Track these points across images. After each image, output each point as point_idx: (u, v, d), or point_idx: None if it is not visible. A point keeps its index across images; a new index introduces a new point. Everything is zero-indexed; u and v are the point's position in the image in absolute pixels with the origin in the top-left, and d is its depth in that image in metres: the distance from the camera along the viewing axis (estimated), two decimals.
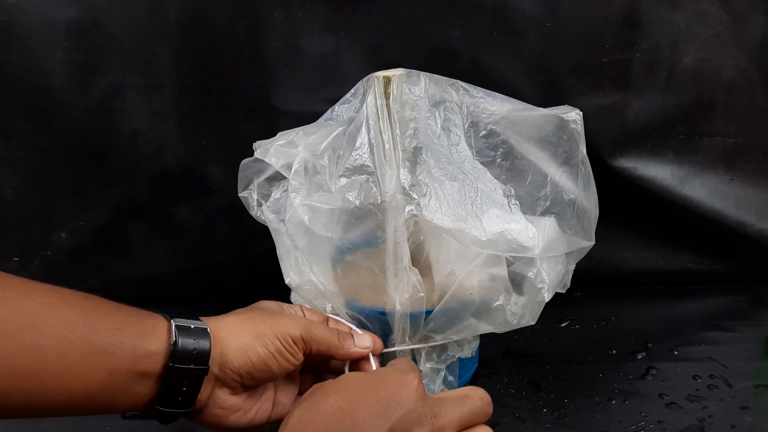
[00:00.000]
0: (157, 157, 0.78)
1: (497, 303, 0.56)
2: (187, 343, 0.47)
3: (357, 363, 0.56)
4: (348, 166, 0.57)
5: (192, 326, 0.48)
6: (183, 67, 0.76)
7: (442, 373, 0.60)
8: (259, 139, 0.64)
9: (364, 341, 0.55)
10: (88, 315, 0.45)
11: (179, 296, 0.84)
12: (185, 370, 0.47)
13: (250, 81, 0.77)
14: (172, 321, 0.48)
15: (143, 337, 0.46)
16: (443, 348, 0.60)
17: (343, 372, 0.55)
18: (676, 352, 0.75)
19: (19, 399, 0.42)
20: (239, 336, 0.50)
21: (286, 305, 0.57)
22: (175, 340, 0.47)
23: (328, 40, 0.76)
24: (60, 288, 0.46)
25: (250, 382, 0.51)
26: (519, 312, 0.56)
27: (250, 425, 0.52)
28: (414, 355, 0.59)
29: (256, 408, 0.53)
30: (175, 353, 0.47)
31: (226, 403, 0.50)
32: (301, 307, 0.57)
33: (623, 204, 0.81)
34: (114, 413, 0.47)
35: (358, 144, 0.57)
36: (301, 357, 0.52)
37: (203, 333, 0.49)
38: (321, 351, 0.53)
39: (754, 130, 0.82)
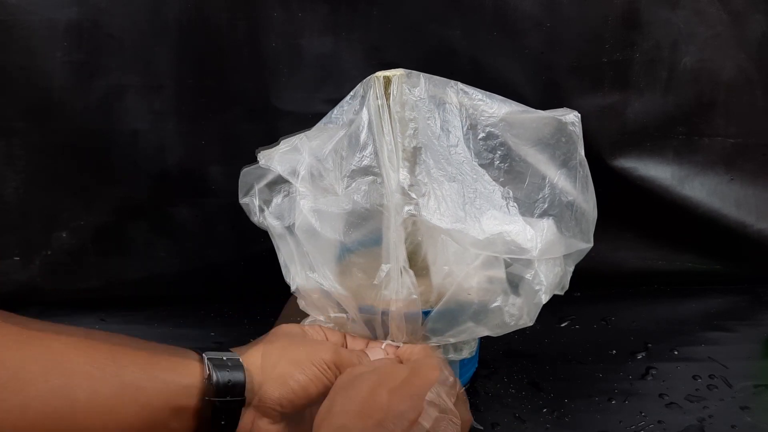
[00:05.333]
0: (157, 157, 0.78)
1: (495, 304, 0.56)
2: (222, 375, 0.47)
3: None
4: (353, 167, 0.57)
5: (225, 358, 0.48)
6: (183, 67, 0.76)
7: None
8: (259, 139, 0.64)
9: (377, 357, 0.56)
10: (116, 352, 0.45)
11: (179, 296, 0.85)
12: (222, 403, 0.47)
13: (250, 81, 0.77)
14: (204, 354, 0.48)
15: (176, 371, 0.46)
16: (442, 350, 0.60)
17: None
18: (676, 352, 0.75)
19: None
20: (276, 365, 0.50)
21: (306, 327, 0.57)
22: (210, 373, 0.47)
23: (328, 40, 0.76)
24: (86, 329, 0.46)
25: (290, 410, 0.50)
26: (516, 313, 0.56)
27: None
28: None
29: None
30: (210, 386, 0.46)
31: None
32: (321, 328, 0.57)
33: (623, 204, 0.81)
34: None
35: (361, 145, 0.57)
36: (334, 380, 0.52)
37: (236, 364, 0.48)
38: None
39: (754, 130, 0.82)
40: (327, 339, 0.56)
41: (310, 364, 0.50)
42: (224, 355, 0.49)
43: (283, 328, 0.56)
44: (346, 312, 0.58)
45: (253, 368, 0.49)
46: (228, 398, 0.47)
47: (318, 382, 0.50)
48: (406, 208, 0.55)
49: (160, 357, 0.46)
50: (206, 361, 0.47)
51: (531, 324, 0.58)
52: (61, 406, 0.41)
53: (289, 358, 0.50)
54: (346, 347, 0.57)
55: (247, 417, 0.49)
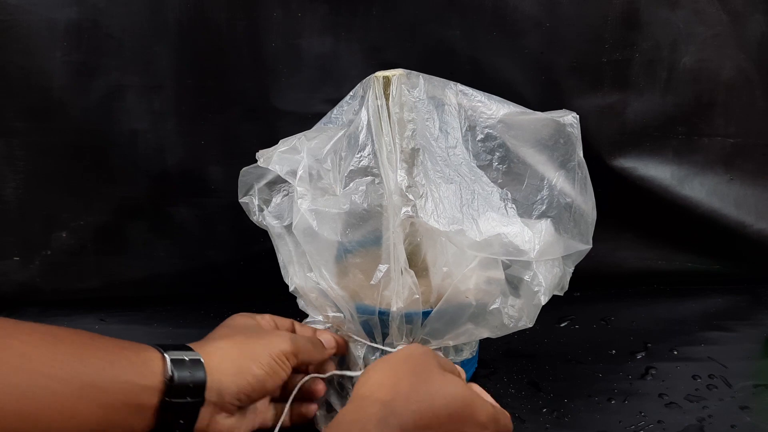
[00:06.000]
0: (157, 157, 0.78)
1: (494, 306, 0.56)
2: (183, 376, 0.48)
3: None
4: (352, 168, 0.57)
5: (187, 358, 0.49)
6: (183, 67, 0.76)
7: None
8: (259, 139, 0.64)
9: (329, 346, 0.58)
10: (78, 351, 0.45)
11: (179, 296, 0.85)
12: (182, 404, 0.48)
13: (250, 81, 0.77)
14: (166, 354, 0.48)
15: (137, 372, 0.47)
16: (442, 352, 0.60)
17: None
18: (675, 352, 0.75)
19: None
20: (234, 360, 0.51)
21: (258, 316, 0.58)
22: (171, 375, 0.47)
23: (328, 40, 0.76)
24: (48, 326, 0.46)
25: (246, 403, 0.52)
26: (516, 315, 0.56)
27: None
28: None
29: (247, 422, 0.54)
30: (171, 388, 0.47)
31: (224, 426, 0.51)
32: (272, 317, 0.59)
33: (623, 204, 0.81)
34: None
35: (360, 146, 0.57)
36: (290, 371, 0.53)
37: (198, 364, 0.49)
38: (303, 362, 0.55)
39: (754, 130, 0.82)
40: (277, 327, 0.58)
41: (268, 357, 0.52)
42: (186, 355, 0.49)
43: (237, 319, 0.58)
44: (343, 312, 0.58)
45: (212, 365, 0.50)
46: (187, 399, 0.48)
47: (275, 375, 0.52)
48: (404, 209, 0.55)
49: (121, 356, 0.47)
50: (168, 362, 0.48)
51: (531, 325, 0.58)
52: (23, 407, 0.42)
53: (249, 352, 0.52)
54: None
55: (205, 412, 0.50)
